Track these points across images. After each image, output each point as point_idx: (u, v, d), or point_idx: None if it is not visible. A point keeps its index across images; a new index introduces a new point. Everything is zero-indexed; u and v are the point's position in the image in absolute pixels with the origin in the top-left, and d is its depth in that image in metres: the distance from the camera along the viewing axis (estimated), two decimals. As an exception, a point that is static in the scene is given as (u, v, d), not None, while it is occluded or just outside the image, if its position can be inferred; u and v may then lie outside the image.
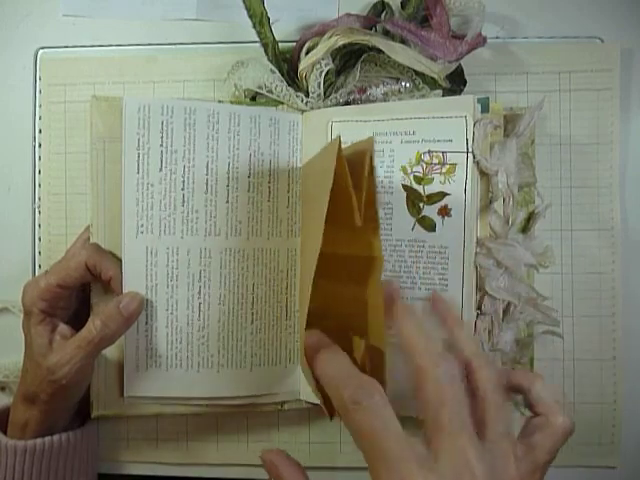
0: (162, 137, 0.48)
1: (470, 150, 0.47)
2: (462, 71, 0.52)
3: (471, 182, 0.47)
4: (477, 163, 0.47)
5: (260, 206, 0.51)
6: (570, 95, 0.54)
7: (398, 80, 0.52)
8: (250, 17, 0.50)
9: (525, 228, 0.53)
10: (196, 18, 0.57)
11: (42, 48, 0.57)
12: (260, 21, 0.50)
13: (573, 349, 0.54)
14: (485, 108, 0.47)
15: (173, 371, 0.50)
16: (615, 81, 0.53)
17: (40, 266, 0.57)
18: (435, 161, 0.47)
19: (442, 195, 0.47)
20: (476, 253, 0.48)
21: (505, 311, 0.49)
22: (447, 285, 0.47)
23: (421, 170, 0.48)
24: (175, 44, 0.57)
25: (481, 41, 0.50)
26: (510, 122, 0.51)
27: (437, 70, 0.50)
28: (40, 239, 0.57)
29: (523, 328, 0.51)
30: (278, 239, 0.51)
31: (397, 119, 0.49)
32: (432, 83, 0.51)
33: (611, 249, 0.54)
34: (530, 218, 0.53)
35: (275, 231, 0.51)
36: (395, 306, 0.39)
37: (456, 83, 0.52)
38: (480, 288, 0.48)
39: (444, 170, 0.47)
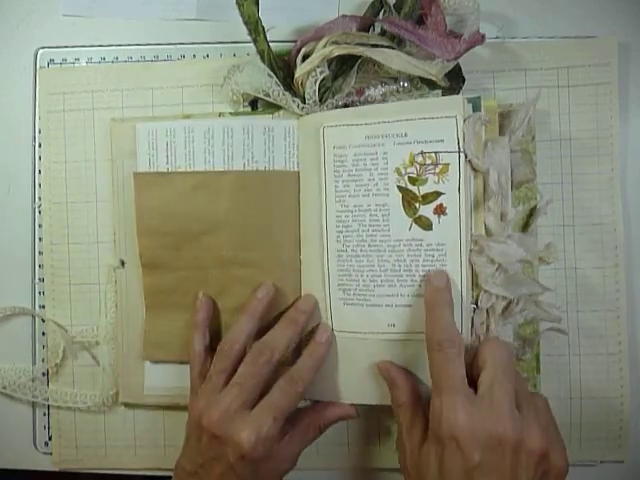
0: (167, 155, 0.53)
1: (462, 150, 0.47)
2: (460, 69, 0.52)
3: (464, 181, 0.47)
4: (469, 162, 0.47)
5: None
6: (569, 91, 0.54)
7: (396, 80, 0.53)
8: (245, 24, 0.51)
9: (526, 224, 0.53)
10: (196, 18, 0.57)
11: (42, 48, 0.58)
12: (255, 29, 0.51)
13: (578, 344, 0.54)
14: (477, 107, 0.47)
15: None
16: (613, 75, 0.53)
17: (40, 266, 0.57)
18: (428, 162, 0.47)
19: (437, 194, 0.47)
20: (470, 250, 0.48)
21: (505, 307, 0.49)
22: (446, 281, 0.48)
23: (415, 171, 0.48)
24: (175, 44, 0.57)
25: (479, 39, 0.50)
26: (506, 119, 0.51)
27: (434, 72, 0.50)
28: (41, 239, 0.57)
29: (525, 325, 0.51)
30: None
31: (389, 122, 0.49)
32: (430, 82, 0.51)
33: (614, 243, 0.54)
34: (531, 214, 0.53)
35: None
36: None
37: (454, 81, 0.52)
38: (476, 284, 0.48)
39: (437, 170, 0.47)
